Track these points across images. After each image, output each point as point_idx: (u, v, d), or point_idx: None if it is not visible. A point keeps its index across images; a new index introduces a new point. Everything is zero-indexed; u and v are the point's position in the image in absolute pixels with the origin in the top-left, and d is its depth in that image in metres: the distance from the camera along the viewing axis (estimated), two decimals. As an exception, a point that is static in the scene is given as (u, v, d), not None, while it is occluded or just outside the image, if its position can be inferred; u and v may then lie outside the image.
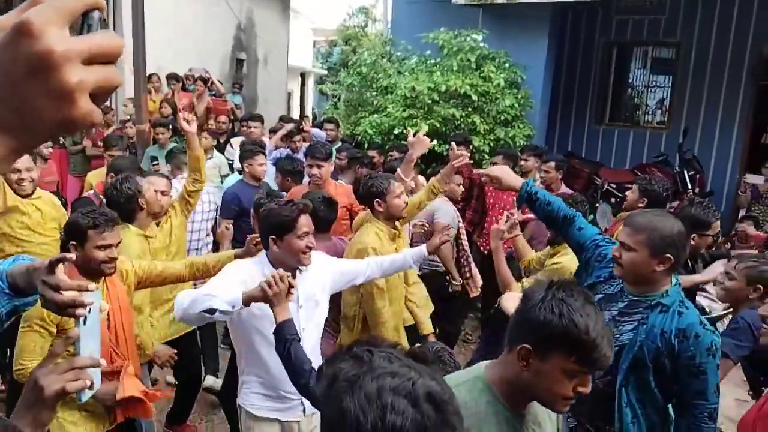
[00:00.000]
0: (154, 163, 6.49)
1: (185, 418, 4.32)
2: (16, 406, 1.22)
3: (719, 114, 8.84)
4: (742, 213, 7.71)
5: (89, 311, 1.34)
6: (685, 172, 8.11)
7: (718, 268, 3.44)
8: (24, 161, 3.82)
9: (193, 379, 4.27)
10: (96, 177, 5.57)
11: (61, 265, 1.38)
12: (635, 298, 2.46)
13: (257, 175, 5.12)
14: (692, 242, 3.26)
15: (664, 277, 2.41)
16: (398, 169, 4.16)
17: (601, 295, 2.56)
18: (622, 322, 2.48)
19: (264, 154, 5.30)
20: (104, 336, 2.78)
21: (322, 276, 2.90)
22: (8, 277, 1.39)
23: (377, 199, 3.57)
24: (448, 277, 4.75)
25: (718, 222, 3.68)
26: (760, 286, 3.03)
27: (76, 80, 0.56)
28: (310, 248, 2.70)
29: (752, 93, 8.65)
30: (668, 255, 2.33)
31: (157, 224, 3.95)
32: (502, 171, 2.99)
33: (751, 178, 7.92)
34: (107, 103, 8.88)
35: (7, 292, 1.38)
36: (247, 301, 2.37)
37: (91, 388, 1.26)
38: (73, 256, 1.51)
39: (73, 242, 2.78)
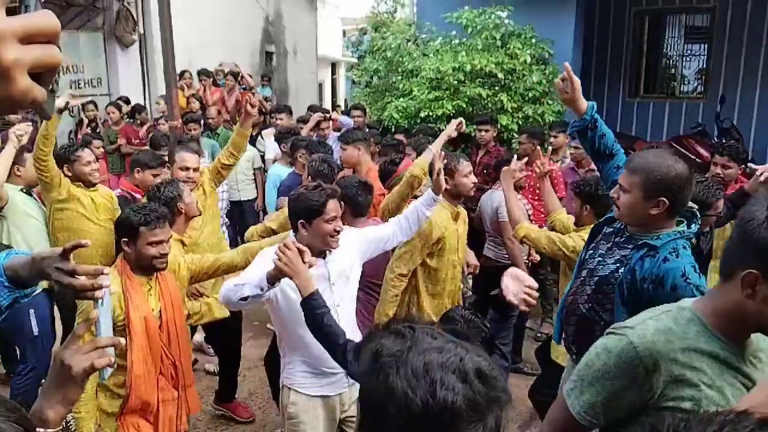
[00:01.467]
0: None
1: (233, 396, 4.42)
2: (43, 387, 1.28)
3: (758, 80, 8.53)
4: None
5: (104, 294, 1.40)
6: (724, 141, 7.86)
7: None
8: (89, 155, 4.23)
9: (233, 352, 4.37)
10: None
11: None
12: (627, 235, 2.42)
13: None
14: None
15: (663, 221, 2.30)
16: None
17: (610, 229, 2.54)
18: (610, 255, 2.47)
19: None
20: (155, 335, 2.82)
21: (350, 251, 2.95)
22: (6, 271, 1.42)
23: (446, 177, 3.52)
24: None
25: (720, 201, 3.48)
26: None
27: (12, 58, 0.58)
28: (338, 232, 2.76)
29: (793, 56, 8.32)
30: (662, 198, 2.23)
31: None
32: (579, 90, 2.65)
33: (794, 145, 7.64)
34: (140, 102, 9.07)
35: (7, 285, 1.41)
36: (271, 279, 2.42)
37: (111, 366, 1.34)
38: (88, 242, 1.57)
39: (125, 239, 2.83)
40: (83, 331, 1.32)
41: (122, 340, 1.38)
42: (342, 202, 3.58)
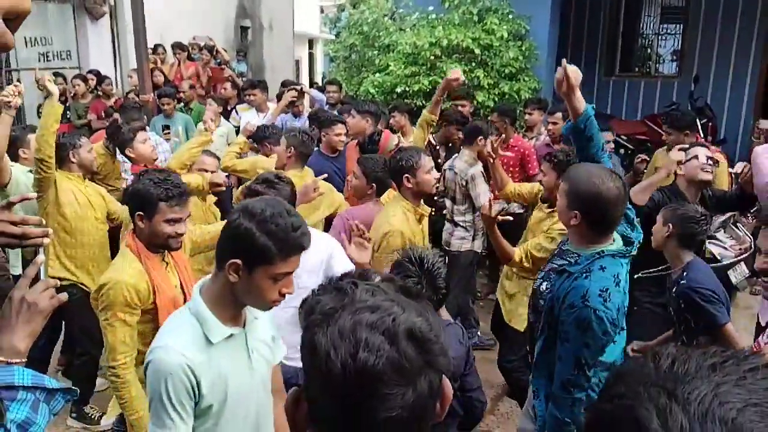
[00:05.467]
0: (165, 131, 6.54)
1: None
2: (4, 325, 1.38)
3: (732, 60, 8.61)
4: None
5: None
6: (697, 120, 7.93)
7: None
8: (89, 142, 4.12)
9: None
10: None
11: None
12: (564, 248, 2.45)
13: (335, 145, 4.87)
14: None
15: (590, 235, 2.30)
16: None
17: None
18: (544, 268, 2.56)
19: (343, 123, 5.04)
20: None
21: (315, 262, 2.77)
22: None
23: (407, 175, 3.27)
24: None
25: (704, 149, 3.62)
26: (670, 225, 3.02)
27: None
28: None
29: (766, 36, 8.39)
30: (576, 211, 2.25)
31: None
32: (578, 80, 2.48)
33: (765, 124, 7.73)
34: (103, 72, 8.89)
35: None
36: None
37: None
38: (34, 195, 1.63)
39: (140, 212, 2.55)
40: (34, 272, 1.44)
41: (57, 281, 1.51)
42: (374, 184, 3.56)
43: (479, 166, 4.65)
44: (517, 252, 3.39)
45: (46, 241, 1.51)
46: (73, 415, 3.99)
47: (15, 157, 4.19)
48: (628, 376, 0.74)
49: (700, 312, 2.87)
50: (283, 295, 1.75)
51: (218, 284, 1.74)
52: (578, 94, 2.49)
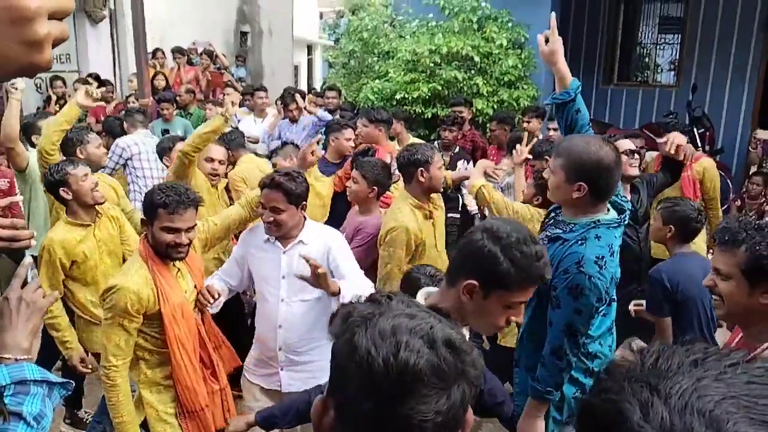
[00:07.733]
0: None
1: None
2: (6, 324, 1.43)
3: (729, 70, 8.64)
4: (753, 169, 7.60)
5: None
6: (695, 129, 7.96)
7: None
8: (98, 138, 4.13)
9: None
10: None
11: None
12: (558, 218, 2.43)
13: (343, 150, 4.67)
14: None
15: (588, 205, 2.28)
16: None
17: (553, 214, 2.58)
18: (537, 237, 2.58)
19: (353, 128, 4.86)
20: (192, 322, 2.66)
21: (317, 253, 2.74)
22: None
23: (421, 168, 3.28)
24: None
25: (628, 141, 3.65)
26: (672, 226, 3.08)
27: (45, 32, 0.67)
28: (267, 222, 2.73)
29: (763, 47, 8.43)
30: (582, 183, 2.22)
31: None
32: (561, 48, 2.51)
33: (762, 134, 7.78)
34: (103, 76, 8.89)
35: None
36: None
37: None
38: (21, 198, 1.68)
39: (144, 218, 2.62)
40: (24, 274, 1.49)
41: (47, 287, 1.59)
42: (375, 187, 3.53)
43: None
44: (481, 182, 3.49)
45: (33, 243, 1.55)
46: (67, 421, 3.97)
47: (31, 143, 4.25)
48: (615, 372, 0.76)
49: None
50: (509, 323, 1.67)
51: (446, 300, 1.65)
52: (563, 62, 2.52)
